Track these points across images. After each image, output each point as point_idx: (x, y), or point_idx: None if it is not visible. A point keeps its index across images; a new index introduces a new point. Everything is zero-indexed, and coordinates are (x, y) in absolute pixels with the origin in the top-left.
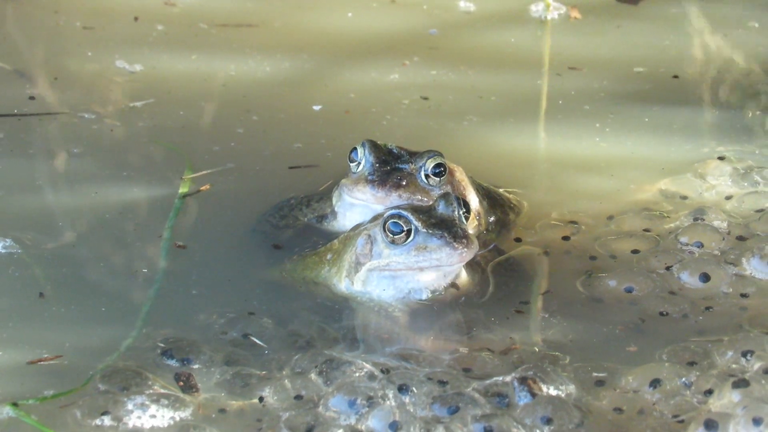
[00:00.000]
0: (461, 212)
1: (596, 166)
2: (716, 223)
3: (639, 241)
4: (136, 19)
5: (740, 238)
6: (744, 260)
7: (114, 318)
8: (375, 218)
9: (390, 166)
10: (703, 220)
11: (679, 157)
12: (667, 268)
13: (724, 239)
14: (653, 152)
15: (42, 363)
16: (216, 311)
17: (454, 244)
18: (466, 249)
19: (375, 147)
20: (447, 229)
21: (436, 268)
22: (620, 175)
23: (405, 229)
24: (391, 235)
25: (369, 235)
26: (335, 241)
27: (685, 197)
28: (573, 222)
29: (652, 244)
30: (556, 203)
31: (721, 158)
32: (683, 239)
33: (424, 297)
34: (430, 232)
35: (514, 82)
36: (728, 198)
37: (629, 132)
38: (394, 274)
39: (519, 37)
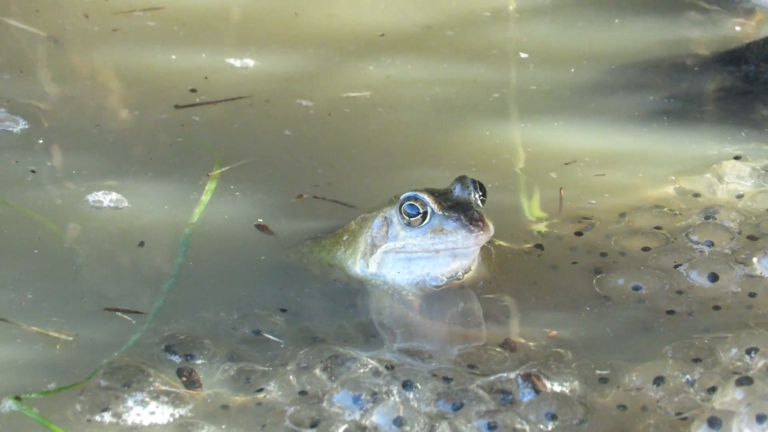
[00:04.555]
0: (477, 195)
1: (611, 161)
2: (727, 222)
3: (650, 238)
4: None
5: (751, 238)
6: (755, 260)
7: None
8: (391, 200)
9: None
10: (715, 218)
11: (695, 155)
12: (676, 267)
13: (734, 238)
14: (669, 149)
15: (119, 313)
16: (224, 306)
17: (471, 226)
18: (482, 232)
19: (431, 193)
20: (463, 211)
21: (452, 251)
22: (634, 171)
23: (421, 211)
24: (407, 218)
25: (385, 217)
26: (352, 222)
27: (698, 195)
28: (586, 218)
29: (662, 241)
30: (569, 198)
31: (737, 158)
32: (694, 237)
33: (438, 283)
34: (447, 214)
35: (521, 74)
36: (740, 197)
37: (646, 127)
38: (409, 256)
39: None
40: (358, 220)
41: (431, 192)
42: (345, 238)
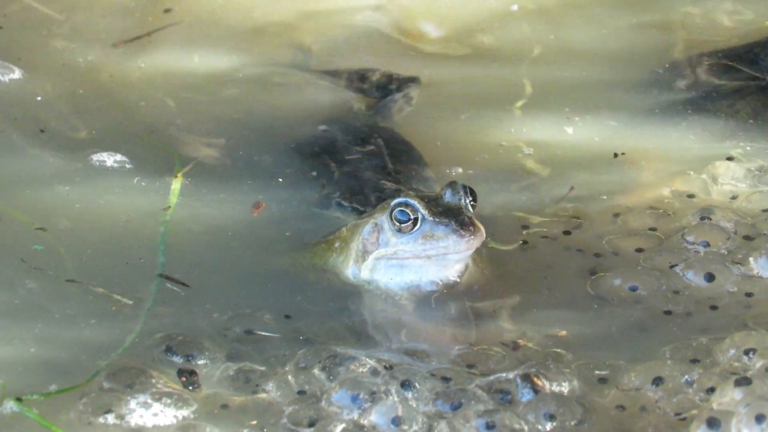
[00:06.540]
0: (468, 200)
1: (604, 161)
2: (723, 223)
3: (644, 239)
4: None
5: (747, 238)
6: (751, 259)
7: (118, 313)
8: (382, 206)
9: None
10: (710, 219)
11: (689, 156)
12: (672, 267)
13: (730, 238)
14: (662, 149)
15: (169, 284)
16: (219, 307)
17: (461, 231)
18: (473, 237)
19: (421, 199)
20: (454, 217)
21: (443, 257)
22: (628, 172)
23: (412, 217)
24: (398, 224)
25: (376, 224)
26: (343, 228)
27: (693, 196)
28: (577, 218)
29: (657, 242)
30: (561, 197)
31: (730, 158)
32: (689, 238)
33: (432, 288)
34: (437, 220)
35: (515, 72)
36: (735, 197)
37: (639, 127)
38: (401, 262)
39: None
40: (349, 227)
41: (422, 198)
42: (337, 245)
